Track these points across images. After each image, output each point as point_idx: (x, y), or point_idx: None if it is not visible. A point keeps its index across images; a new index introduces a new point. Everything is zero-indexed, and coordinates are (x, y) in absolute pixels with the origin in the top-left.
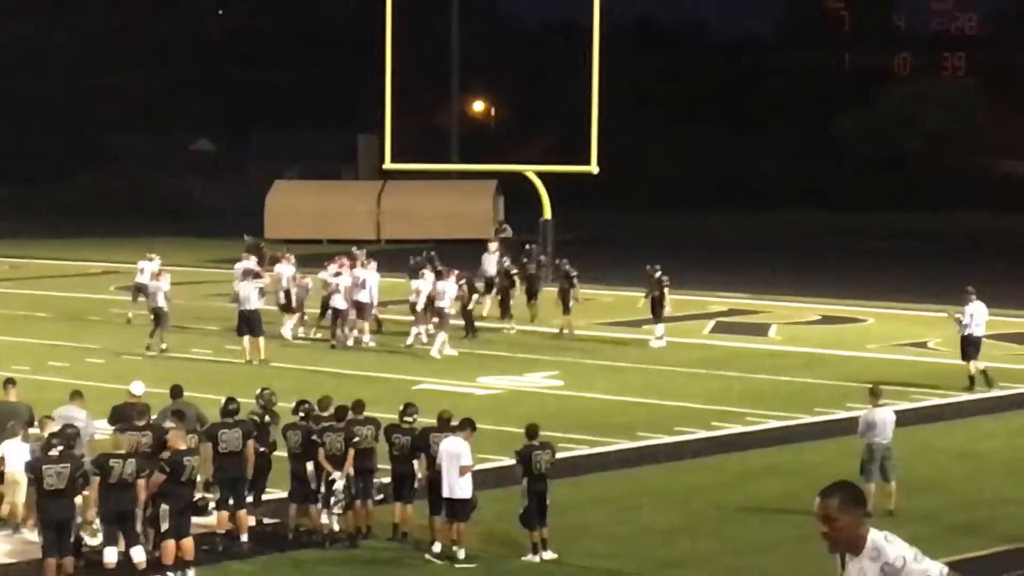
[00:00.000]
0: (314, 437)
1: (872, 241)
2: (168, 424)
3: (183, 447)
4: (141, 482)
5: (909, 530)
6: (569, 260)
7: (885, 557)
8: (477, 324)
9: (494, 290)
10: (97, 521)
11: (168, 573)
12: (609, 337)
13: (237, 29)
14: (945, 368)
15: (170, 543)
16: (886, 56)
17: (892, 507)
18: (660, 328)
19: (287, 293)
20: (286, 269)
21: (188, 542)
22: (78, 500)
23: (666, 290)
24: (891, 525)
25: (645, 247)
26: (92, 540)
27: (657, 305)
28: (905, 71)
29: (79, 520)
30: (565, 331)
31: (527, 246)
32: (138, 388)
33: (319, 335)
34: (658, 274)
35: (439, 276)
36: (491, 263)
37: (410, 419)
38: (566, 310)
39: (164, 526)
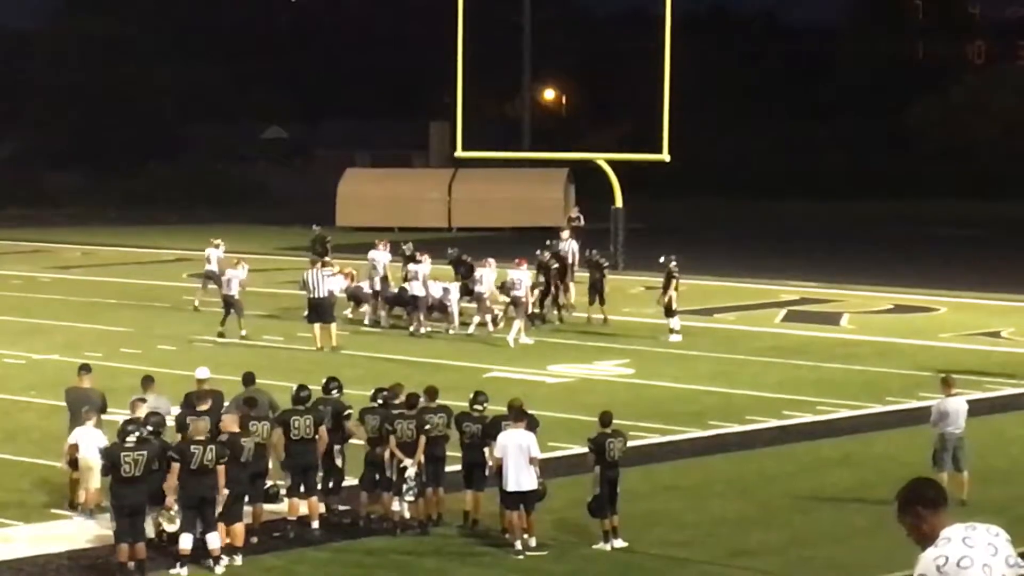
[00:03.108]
0: (385, 425)
1: (944, 229)
2: (234, 411)
3: (236, 429)
4: (220, 468)
5: (982, 520)
6: (599, 250)
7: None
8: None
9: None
10: (175, 507)
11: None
12: (680, 326)
13: (308, 16)
14: (1018, 357)
15: (220, 526)
16: (960, 44)
17: (964, 497)
18: (675, 322)
19: (384, 280)
20: (381, 256)
21: (239, 527)
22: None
23: (673, 282)
24: (964, 515)
25: (715, 235)
26: (170, 527)
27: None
28: (979, 59)
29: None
30: (596, 316)
31: (548, 241)
32: (203, 372)
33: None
34: (672, 264)
35: (471, 270)
36: (567, 251)
37: (480, 407)
38: (592, 300)
39: (218, 510)
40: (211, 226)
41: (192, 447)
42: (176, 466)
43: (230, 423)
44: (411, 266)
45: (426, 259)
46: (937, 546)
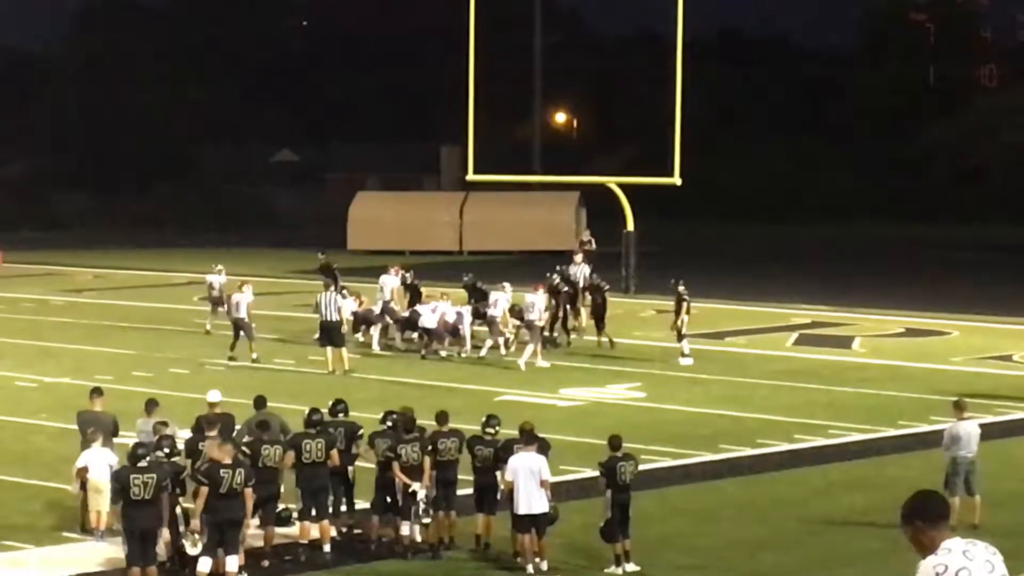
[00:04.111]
0: (387, 452)
1: (956, 253)
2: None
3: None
4: (248, 491)
5: (993, 544)
6: (599, 274)
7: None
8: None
9: (580, 301)
10: (199, 530)
11: None
12: (691, 349)
13: (319, 39)
14: None
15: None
16: (972, 68)
17: (976, 521)
18: (685, 345)
19: (387, 303)
20: (390, 280)
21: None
22: (177, 509)
23: (684, 305)
24: (974, 538)
25: (727, 258)
26: (193, 550)
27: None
28: (992, 83)
29: (181, 528)
30: (603, 340)
31: (559, 266)
32: (215, 396)
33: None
34: (680, 288)
35: (484, 296)
36: (578, 275)
37: (492, 430)
38: (599, 324)
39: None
40: (221, 249)
41: (221, 471)
42: (204, 490)
43: (214, 451)
44: (433, 303)
45: (445, 300)
46: (938, 554)
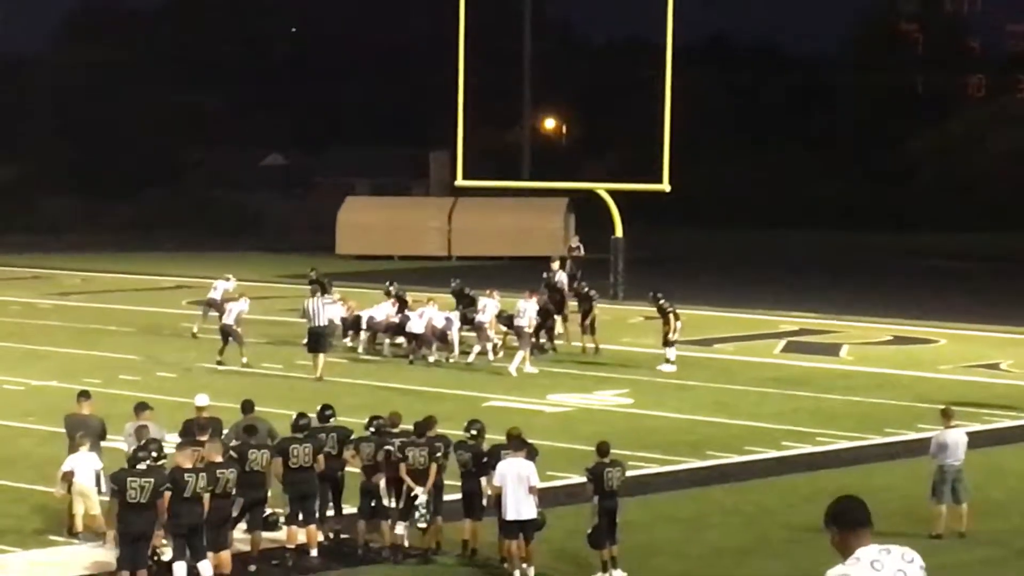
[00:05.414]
0: (395, 452)
1: (944, 261)
2: (233, 442)
3: (218, 459)
4: (206, 496)
5: (980, 553)
6: (588, 282)
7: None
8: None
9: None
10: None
11: None
12: (678, 356)
13: (309, 45)
14: (1018, 390)
15: (212, 555)
16: (960, 77)
17: (963, 530)
18: (671, 352)
19: (371, 318)
20: (383, 306)
21: (225, 555)
22: None
23: (669, 316)
24: (962, 548)
25: (715, 265)
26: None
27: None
28: (979, 93)
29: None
30: (589, 346)
31: (544, 274)
32: (202, 400)
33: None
34: (661, 301)
35: (472, 302)
36: (561, 280)
37: (469, 435)
38: (585, 330)
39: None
40: (210, 254)
41: (186, 475)
42: (168, 495)
43: (213, 454)
44: (420, 308)
45: (432, 305)
46: (844, 564)
